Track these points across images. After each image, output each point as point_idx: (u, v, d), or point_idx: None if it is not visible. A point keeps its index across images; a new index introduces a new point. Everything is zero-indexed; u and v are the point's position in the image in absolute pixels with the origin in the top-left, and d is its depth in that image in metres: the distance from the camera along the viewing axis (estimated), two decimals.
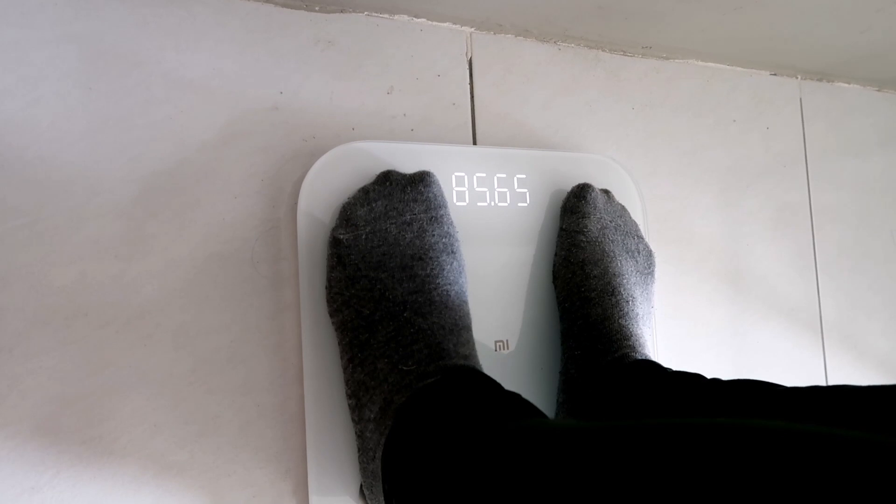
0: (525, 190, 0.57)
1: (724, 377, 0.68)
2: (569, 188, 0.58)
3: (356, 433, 0.45)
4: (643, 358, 0.48)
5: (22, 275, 0.43)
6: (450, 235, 0.49)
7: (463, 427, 0.35)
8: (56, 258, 0.44)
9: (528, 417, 0.37)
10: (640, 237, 0.59)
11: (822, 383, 0.76)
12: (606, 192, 0.59)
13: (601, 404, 0.47)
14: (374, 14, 0.57)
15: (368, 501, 0.46)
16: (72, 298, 0.44)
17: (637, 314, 0.53)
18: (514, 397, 0.40)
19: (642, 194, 0.62)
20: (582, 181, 0.58)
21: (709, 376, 0.49)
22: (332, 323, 0.47)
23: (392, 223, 0.47)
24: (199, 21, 0.50)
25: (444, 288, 0.46)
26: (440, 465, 0.33)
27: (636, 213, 0.61)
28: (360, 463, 0.45)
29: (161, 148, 0.48)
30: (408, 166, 0.51)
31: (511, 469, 0.28)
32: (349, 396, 0.45)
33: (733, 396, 0.41)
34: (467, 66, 0.60)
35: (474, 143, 0.60)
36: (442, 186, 0.51)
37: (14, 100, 0.44)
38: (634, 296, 0.53)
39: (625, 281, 0.53)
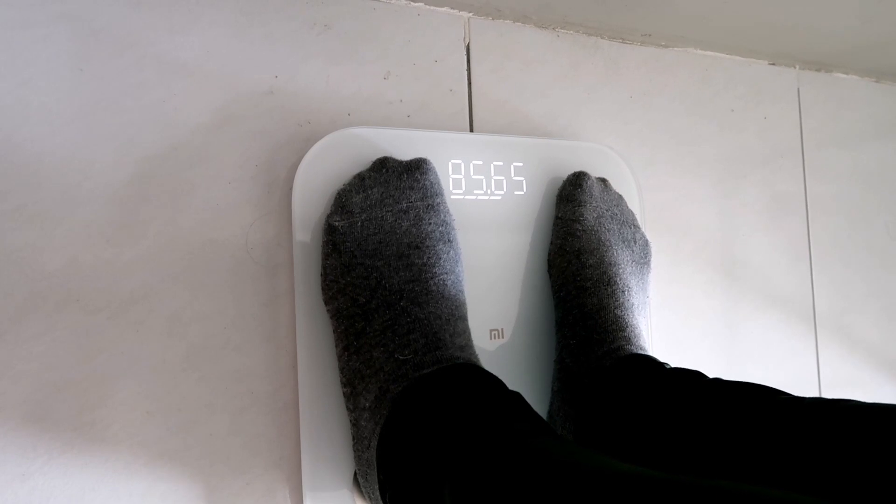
0: (522, 178, 0.57)
1: (718, 367, 0.69)
2: (566, 176, 0.57)
3: (351, 421, 0.45)
4: (639, 350, 0.48)
5: (12, 260, 0.43)
6: (446, 224, 0.48)
7: (468, 429, 0.35)
8: (47, 243, 0.44)
9: (530, 423, 0.36)
10: (637, 226, 0.59)
11: (815, 373, 0.76)
12: (603, 180, 0.59)
13: (597, 399, 0.47)
14: None
15: (362, 489, 0.46)
16: (63, 284, 0.44)
17: (632, 304, 0.53)
18: (515, 398, 0.40)
19: (639, 183, 0.62)
20: (579, 169, 0.58)
21: (704, 369, 0.49)
22: (327, 311, 0.46)
23: (388, 211, 0.47)
24: (193, 2, 0.49)
25: (441, 277, 0.45)
26: (440, 464, 0.33)
27: (633, 203, 0.61)
28: (354, 451, 0.45)
29: (154, 132, 0.47)
30: (404, 153, 0.51)
31: (518, 494, 0.28)
32: (344, 384, 0.45)
33: (735, 402, 0.40)
34: (465, 52, 0.60)
35: (471, 130, 0.59)
36: (438, 174, 0.50)
37: (3, 81, 0.43)
38: (630, 285, 0.53)
39: (620, 270, 0.53)
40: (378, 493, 0.40)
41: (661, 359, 0.49)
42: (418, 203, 0.47)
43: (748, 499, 0.21)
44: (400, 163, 0.49)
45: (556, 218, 0.56)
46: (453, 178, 0.53)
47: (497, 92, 0.61)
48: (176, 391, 0.46)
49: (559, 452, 0.30)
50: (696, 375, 0.45)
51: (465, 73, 0.59)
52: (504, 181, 0.56)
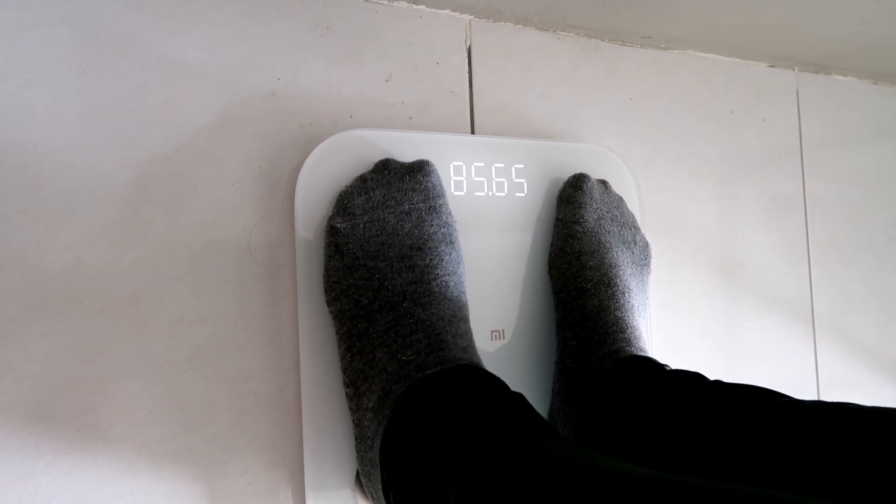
0: (523, 180, 0.57)
1: (717, 367, 0.69)
2: (566, 178, 0.58)
3: (353, 421, 0.45)
4: (639, 352, 0.48)
5: (16, 260, 0.43)
6: (448, 225, 0.48)
7: (471, 430, 0.35)
8: (50, 244, 0.44)
9: (533, 424, 0.36)
10: (637, 228, 0.59)
11: (813, 374, 0.77)
12: (603, 182, 0.59)
13: (597, 400, 0.47)
14: (373, 0, 0.56)
15: (365, 489, 0.46)
16: (67, 285, 0.44)
17: (633, 305, 0.53)
18: (518, 400, 0.40)
19: (639, 185, 0.62)
20: (579, 171, 0.58)
21: (703, 369, 0.49)
22: (330, 312, 0.47)
23: (390, 212, 0.47)
24: (195, 4, 0.50)
25: (443, 279, 0.46)
26: (444, 464, 0.33)
27: (633, 204, 0.61)
28: (357, 451, 0.45)
29: (157, 133, 0.47)
30: (406, 155, 0.51)
31: (523, 494, 0.28)
32: (347, 385, 0.46)
33: (735, 404, 0.40)
34: (466, 54, 0.60)
35: (472, 132, 0.59)
36: (440, 175, 0.51)
37: (7, 82, 0.44)
38: (630, 287, 0.53)
39: (621, 272, 0.53)
40: (381, 493, 0.41)
41: (661, 360, 0.49)
42: (420, 205, 0.48)
43: (752, 500, 0.22)
44: (402, 164, 0.49)
45: (557, 219, 0.57)
46: (455, 180, 0.54)
47: (498, 94, 0.61)
48: (179, 392, 0.46)
49: (563, 453, 0.30)
50: (697, 377, 0.45)
51: (467, 75, 0.60)
52: (505, 183, 0.56)
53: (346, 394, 0.46)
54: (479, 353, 0.47)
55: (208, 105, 0.49)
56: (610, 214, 0.57)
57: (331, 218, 0.47)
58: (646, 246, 0.59)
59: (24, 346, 0.42)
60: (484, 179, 0.55)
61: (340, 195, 0.48)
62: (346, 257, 0.45)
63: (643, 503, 0.24)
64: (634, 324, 0.51)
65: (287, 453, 0.49)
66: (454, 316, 0.45)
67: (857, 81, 0.85)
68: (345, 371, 0.46)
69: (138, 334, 0.45)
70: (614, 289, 0.51)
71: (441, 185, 0.50)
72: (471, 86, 0.60)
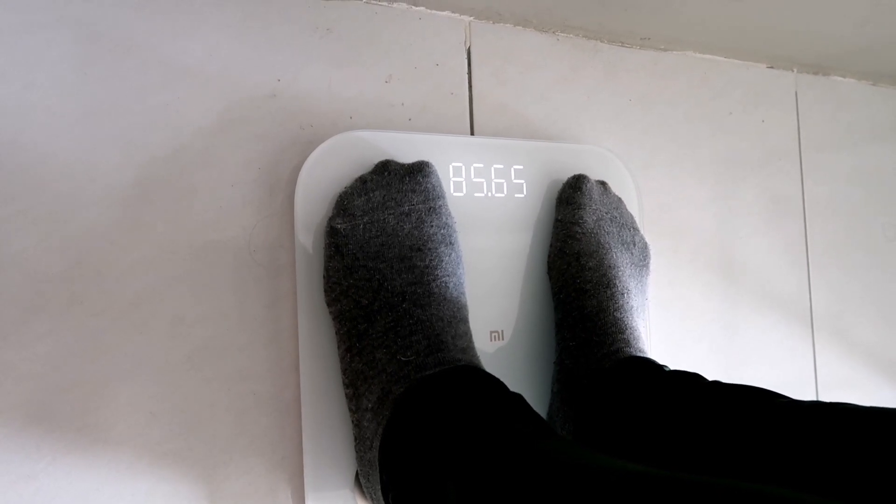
0: (522, 181, 0.57)
1: (716, 368, 0.69)
2: (565, 179, 0.58)
3: (353, 422, 0.45)
4: (638, 353, 0.49)
5: (17, 262, 0.43)
6: (448, 226, 0.49)
7: (471, 430, 0.35)
8: (51, 245, 0.44)
9: (533, 424, 0.37)
10: (636, 229, 0.59)
11: (812, 375, 0.77)
12: (603, 183, 0.59)
13: (596, 400, 0.48)
14: (373, 1, 0.56)
15: (364, 490, 0.46)
16: (67, 286, 0.44)
17: (632, 306, 0.53)
18: (517, 400, 0.40)
19: (638, 186, 0.62)
20: (578, 172, 0.58)
21: (702, 370, 0.49)
22: (330, 312, 0.47)
23: (390, 213, 0.47)
24: (196, 6, 0.50)
25: (443, 280, 0.46)
26: (443, 464, 0.33)
27: (632, 205, 0.61)
28: (356, 451, 0.45)
29: (157, 134, 0.48)
30: (406, 156, 0.51)
31: (524, 495, 0.28)
32: (346, 385, 0.46)
33: (733, 404, 0.40)
34: (466, 56, 0.60)
35: (472, 133, 0.59)
36: (440, 176, 0.51)
37: (8, 84, 0.44)
38: (629, 288, 0.54)
39: (620, 273, 0.53)
40: (380, 494, 0.41)
41: (660, 361, 0.50)
42: (420, 206, 0.48)
43: (751, 498, 0.22)
44: (402, 165, 0.49)
45: (556, 220, 0.57)
46: (454, 181, 0.54)
47: (497, 95, 0.61)
48: (179, 392, 0.46)
49: (562, 453, 0.30)
50: (696, 378, 0.45)
51: (466, 76, 0.60)
52: (504, 184, 0.56)
53: (346, 394, 0.46)
54: (479, 353, 0.47)
55: (209, 106, 0.49)
56: (609, 215, 0.57)
57: (331, 219, 0.47)
58: (645, 247, 0.59)
59: (25, 346, 0.43)
60: (483, 180, 0.55)
61: (340, 196, 0.48)
62: (346, 258, 0.46)
63: (642, 502, 0.24)
64: (633, 324, 0.51)
65: (287, 453, 0.49)
66: (453, 317, 0.45)
67: (856, 83, 0.85)
68: (344, 371, 0.46)
69: (139, 335, 0.46)
70: (613, 290, 0.52)
71: (441, 186, 0.50)
72: (470, 87, 0.60)
